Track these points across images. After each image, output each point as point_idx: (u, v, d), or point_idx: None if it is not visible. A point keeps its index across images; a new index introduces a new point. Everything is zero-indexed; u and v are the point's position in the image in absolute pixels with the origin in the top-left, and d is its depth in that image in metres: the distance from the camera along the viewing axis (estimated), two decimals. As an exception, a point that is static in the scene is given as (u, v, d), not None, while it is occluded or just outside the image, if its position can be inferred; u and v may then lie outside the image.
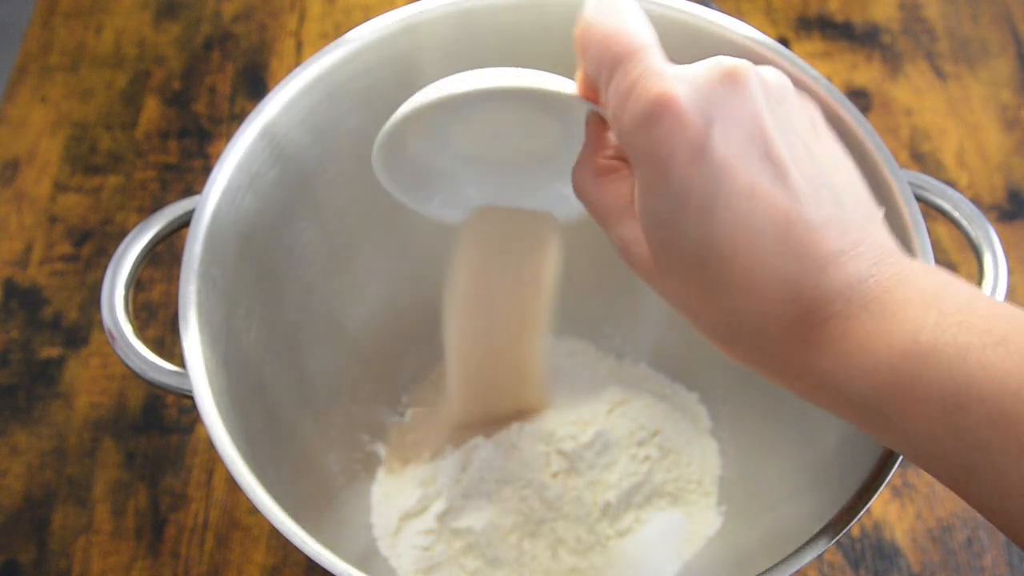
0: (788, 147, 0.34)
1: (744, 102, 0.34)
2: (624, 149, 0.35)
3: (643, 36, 0.35)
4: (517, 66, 0.55)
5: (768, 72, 0.35)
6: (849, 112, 0.47)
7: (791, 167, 0.34)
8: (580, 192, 0.39)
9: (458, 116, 0.43)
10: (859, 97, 0.72)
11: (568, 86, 0.39)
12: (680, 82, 0.34)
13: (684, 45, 0.51)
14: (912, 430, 0.32)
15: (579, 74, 0.39)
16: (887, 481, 0.41)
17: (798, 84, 0.49)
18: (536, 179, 0.46)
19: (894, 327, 0.32)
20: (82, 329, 0.63)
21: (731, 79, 0.34)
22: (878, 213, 0.36)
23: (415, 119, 0.41)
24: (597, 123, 0.39)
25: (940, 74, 0.73)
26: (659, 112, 0.33)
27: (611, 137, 0.39)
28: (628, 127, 0.34)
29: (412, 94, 0.53)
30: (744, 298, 0.34)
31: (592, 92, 0.38)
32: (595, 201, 0.38)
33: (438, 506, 0.55)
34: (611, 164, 0.38)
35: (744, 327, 0.35)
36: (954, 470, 0.32)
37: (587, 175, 0.38)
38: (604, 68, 0.35)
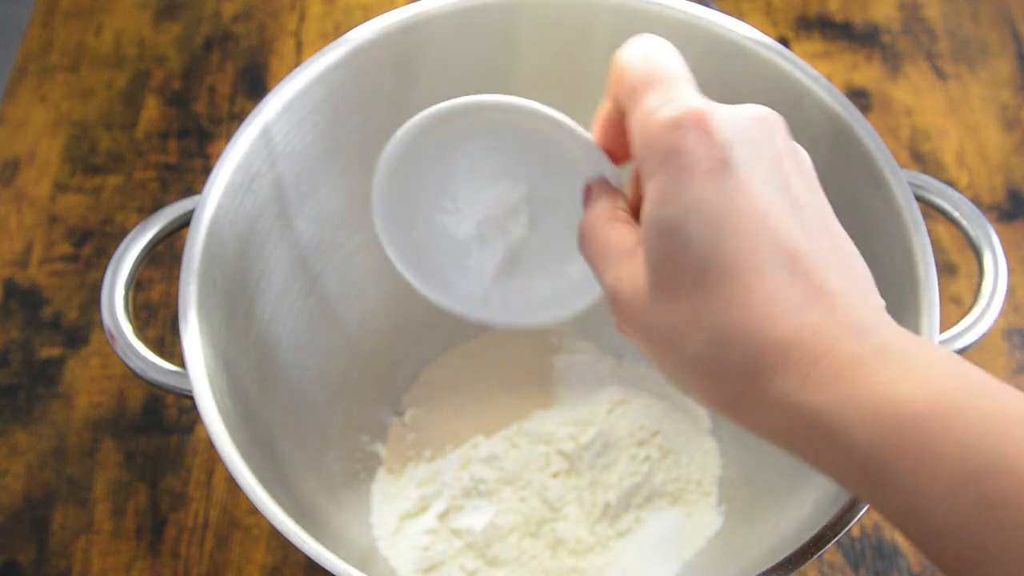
0: (803, 194, 0.34)
1: (771, 142, 0.34)
2: (642, 162, 0.35)
3: (684, 72, 0.36)
4: (515, 67, 0.55)
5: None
6: (849, 112, 0.47)
7: (805, 208, 0.34)
8: (590, 232, 0.38)
9: (460, 147, 0.42)
10: (859, 97, 0.72)
11: (582, 132, 0.39)
12: (714, 106, 0.34)
13: (684, 45, 0.51)
14: (924, 496, 0.29)
15: (599, 118, 0.39)
16: (887, 481, 0.41)
17: (798, 84, 0.49)
18: (543, 254, 0.44)
19: (915, 378, 0.30)
20: (82, 329, 0.63)
21: (762, 121, 0.35)
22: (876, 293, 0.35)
23: (417, 135, 0.40)
24: (607, 184, 0.39)
25: (940, 74, 0.73)
26: (689, 121, 0.33)
27: (622, 197, 0.39)
28: (655, 131, 0.34)
29: (412, 94, 0.54)
30: (740, 315, 0.32)
31: (609, 140, 0.39)
32: (603, 239, 0.37)
33: (438, 506, 0.55)
34: (621, 214, 0.38)
35: (734, 349, 0.32)
36: (964, 548, 0.29)
37: (600, 217, 0.38)
38: (639, 89, 0.35)
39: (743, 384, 0.32)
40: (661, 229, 0.34)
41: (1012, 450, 0.28)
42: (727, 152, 0.33)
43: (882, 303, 0.34)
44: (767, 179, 0.34)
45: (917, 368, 0.30)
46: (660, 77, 0.35)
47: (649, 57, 0.36)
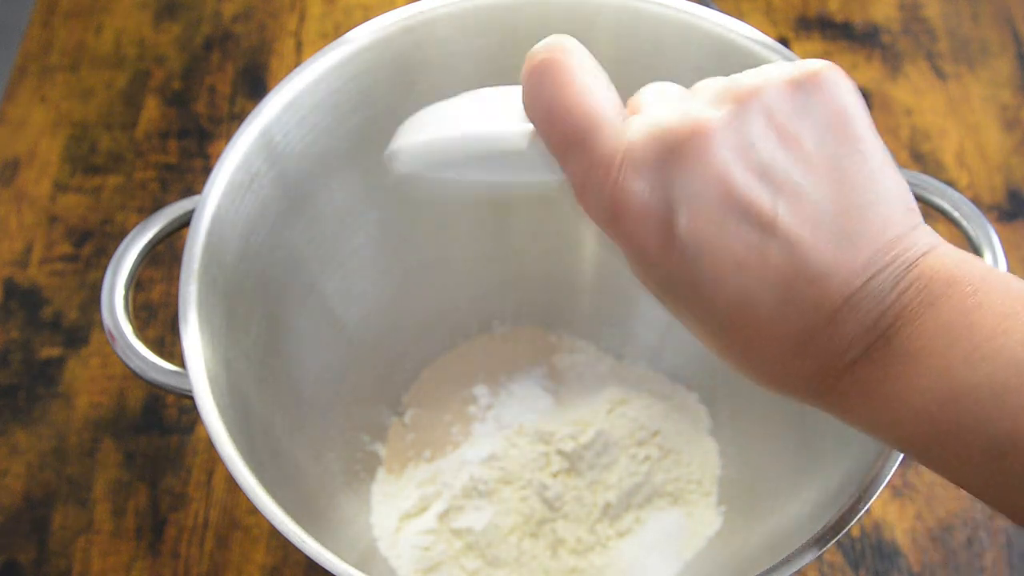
0: (776, 186, 0.31)
1: (705, 166, 0.31)
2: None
3: (588, 109, 0.32)
4: (516, 67, 0.55)
5: (756, 79, 0.32)
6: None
7: (781, 215, 0.31)
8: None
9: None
10: (859, 97, 0.72)
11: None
12: (633, 170, 0.31)
13: (684, 45, 0.51)
14: (960, 472, 0.31)
15: None
16: (887, 481, 0.41)
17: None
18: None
19: (922, 369, 0.31)
20: (82, 329, 0.63)
21: (681, 145, 0.31)
22: (899, 209, 0.33)
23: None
24: None
25: (940, 74, 0.73)
26: (618, 213, 0.32)
27: None
28: (593, 219, 0.33)
29: (412, 94, 0.54)
30: (757, 358, 0.32)
31: None
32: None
33: (438, 506, 0.55)
34: None
35: (764, 378, 0.33)
36: (1007, 505, 0.31)
37: None
38: (555, 149, 0.33)
39: (789, 395, 0.34)
40: (649, 288, 0.34)
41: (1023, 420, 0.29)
42: (668, 221, 0.31)
43: (902, 245, 0.33)
44: (723, 216, 0.31)
45: (923, 355, 0.31)
46: (567, 137, 0.32)
47: (550, 102, 0.33)
